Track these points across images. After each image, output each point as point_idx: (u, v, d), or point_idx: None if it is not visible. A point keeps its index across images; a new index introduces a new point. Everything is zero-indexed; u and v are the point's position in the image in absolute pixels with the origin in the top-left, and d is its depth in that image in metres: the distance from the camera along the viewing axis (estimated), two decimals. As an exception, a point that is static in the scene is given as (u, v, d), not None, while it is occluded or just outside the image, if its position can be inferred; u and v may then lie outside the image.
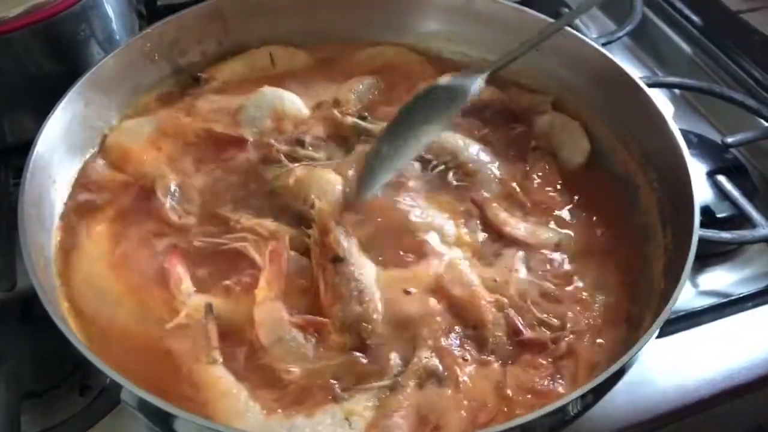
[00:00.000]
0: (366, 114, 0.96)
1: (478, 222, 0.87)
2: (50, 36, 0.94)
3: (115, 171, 0.91)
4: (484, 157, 0.93)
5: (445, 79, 0.93)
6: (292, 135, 0.93)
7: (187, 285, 0.79)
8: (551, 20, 0.99)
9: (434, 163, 0.91)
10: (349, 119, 0.95)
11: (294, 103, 0.98)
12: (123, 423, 0.78)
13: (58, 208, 0.85)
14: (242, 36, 1.06)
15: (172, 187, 0.88)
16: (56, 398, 0.79)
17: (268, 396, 0.72)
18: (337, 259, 0.77)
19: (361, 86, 1.02)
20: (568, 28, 1.00)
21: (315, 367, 0.73)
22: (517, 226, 0.86)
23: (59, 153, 0.86)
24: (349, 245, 0.79)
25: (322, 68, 1.07)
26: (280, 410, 0.70)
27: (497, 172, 0.92)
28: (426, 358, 0.73)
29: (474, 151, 0.93)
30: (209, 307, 0.76)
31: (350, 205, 0.84)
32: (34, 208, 0.79)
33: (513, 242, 0.85)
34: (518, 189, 0.91)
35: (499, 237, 0.86)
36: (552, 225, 0.88)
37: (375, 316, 0.76)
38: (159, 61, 1.00)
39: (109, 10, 1.02)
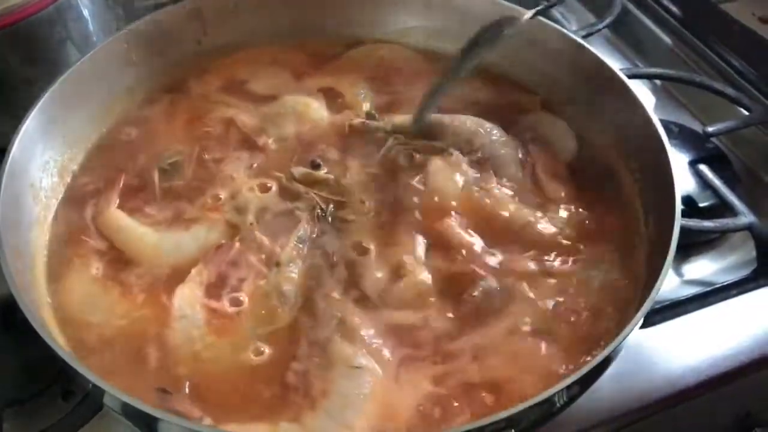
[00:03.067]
0: (374, 113, 0.97)
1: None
2: (25, 39, 0.92)
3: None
4: (500, 138, 0.93)
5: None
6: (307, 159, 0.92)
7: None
8: (526, 10, 0.99)
9: (451, 150, 0.91)
10: (357, 120, 0.95)
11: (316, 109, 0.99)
12: (107, 428, 0.77)
13: (36, 212, 0.84)
14: (221, 35, 1.05)
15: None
16: (39, 404, 0.78)
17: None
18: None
19: (361, 91, 1.02)
20: (548, 21, 1.00)
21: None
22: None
23: (36, 157, 0.85)
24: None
25: (320, 69, 1.06)
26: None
27: (515, 154, 0.93)
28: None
29: (490, 132, 0.93)
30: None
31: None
32: (11, 213, 0.77)
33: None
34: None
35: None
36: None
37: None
38: (137, 61, 0.99)
39: (85, 12, 1.00)
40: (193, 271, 0.80)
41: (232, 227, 0.85)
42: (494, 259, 0.82)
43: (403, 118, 0.95)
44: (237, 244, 0.83)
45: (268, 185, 0.89)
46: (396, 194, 0.88)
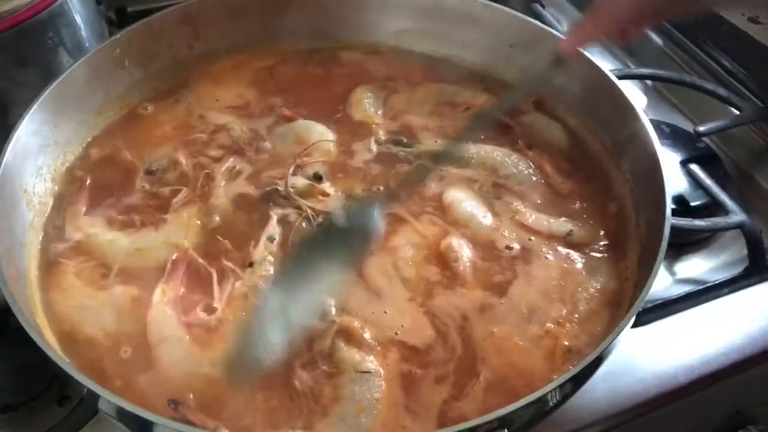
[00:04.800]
0: (402, 138, 0.97)
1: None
2: (17, 45, 0.92)
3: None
4: (525, 170, 0.94)
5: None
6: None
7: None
8: (518, 14, 1.00)
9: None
10: (383, 146, 0.96)
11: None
12: (103, 432, 0.77)
13: (30, 217, 0.85)
14: (213, 39, 1.05)
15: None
16: (34, 410, 0.78)
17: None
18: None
19: (367, 99, 1.03)
20: (538, 23, 1.01)
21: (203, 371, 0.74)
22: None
23: (29, 162, 0.85)
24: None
25: (318, 79, 1.07)
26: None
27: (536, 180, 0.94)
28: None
29: (516, 164, 0.95)
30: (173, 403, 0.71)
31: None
32: (4, 218, 0.78)
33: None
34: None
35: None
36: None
37: None
38: (129, 67, 0.99)
39: (78, 18, 1.00)
40: (156, 292, 0.79)
41: (202, 227, 0.86)
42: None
43: (430, 144, 0.96)
44: (190, 254, 0.83)
45: (242, 189, 0.90)
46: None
